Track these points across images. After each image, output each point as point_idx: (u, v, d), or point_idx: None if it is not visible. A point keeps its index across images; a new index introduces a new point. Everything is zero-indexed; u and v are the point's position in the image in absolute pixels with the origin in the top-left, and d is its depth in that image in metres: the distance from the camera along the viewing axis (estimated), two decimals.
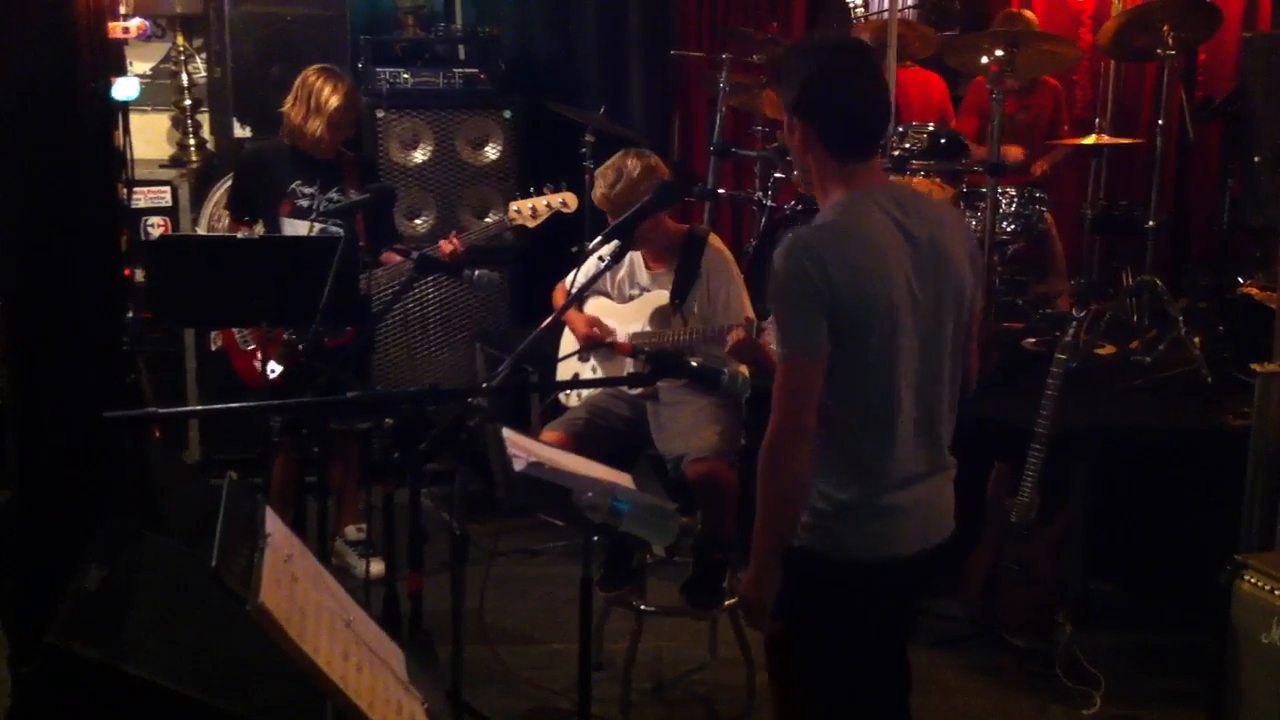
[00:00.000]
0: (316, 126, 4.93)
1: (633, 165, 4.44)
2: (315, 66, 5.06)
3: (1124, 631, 4.78)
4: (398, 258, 5.05)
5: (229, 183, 6.03)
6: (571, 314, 4.62)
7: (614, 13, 7.17)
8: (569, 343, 4.75)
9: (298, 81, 5.01)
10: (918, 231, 2.71)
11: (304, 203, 4.96)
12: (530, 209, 4.97)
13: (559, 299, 4.77)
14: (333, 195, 4.97)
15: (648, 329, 4.55)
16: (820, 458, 2.73)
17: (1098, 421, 5.09)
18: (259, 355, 4.84)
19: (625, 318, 4.61)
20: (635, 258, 4.58)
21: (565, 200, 5.02)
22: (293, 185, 4.97)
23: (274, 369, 4.58)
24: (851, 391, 2.68)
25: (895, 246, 2.66)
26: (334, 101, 4.92)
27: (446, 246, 4.90)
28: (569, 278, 4.76)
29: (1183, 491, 4.90)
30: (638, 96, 7.24)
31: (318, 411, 4.07)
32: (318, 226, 4.81)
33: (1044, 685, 4.38)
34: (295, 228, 4.86)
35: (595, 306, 4.69)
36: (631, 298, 4.63)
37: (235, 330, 5.01)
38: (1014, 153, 6.42)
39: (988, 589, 4.46)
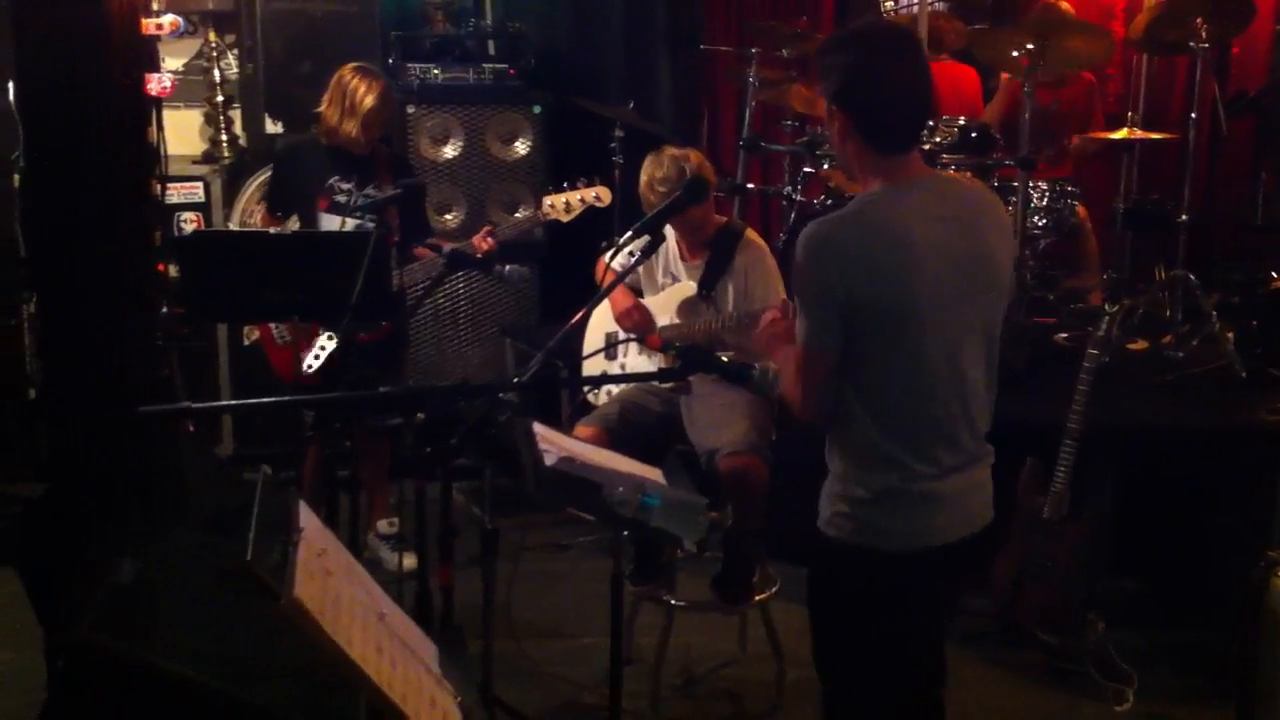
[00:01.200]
0: (352, 127, 4.95)
1: (671, 159, 4.45)
2: (351, 65, 5.06)
3: (1152, 629, 4.75)
4: (430, 253, 5.06)
5: (262, 178, 6.06)
6: (614, 295, 4.60)
7: (642, 8, 7.18)
8: (595, 338, 4.76)
9: (333, 80, 5.02)
10: (956, 224, 2.69)
11: (341, 198, 4.98)
12: (564, 203, 4.98)
13: (601, 272, 4.77)
14: (369, 191, 4.99)
15: (676, 321, 4.55)
16: (855, 450, 2.74)
17: (1130, 417, 5.06)
18: (295, 349, 4.86)
19: (654, 310, 4.62)
20: (671, 246, 4.57)
21: (599, 195, 5.02)
22: (330, 180, 4.99)
23: (310, 365, 4.59)
24: (882, 387, 2.68)
25: (925, 241, 2.63)
26: (369, 102, 4.94)
27: (481, 244, 4.90)
28: (609, 255, 4.76)
29: (1215, 488, 4.86)
30: (666, 92, 7.24)
31: (350, 406, 4.09)
32: (352, 222, 4.82)
33: (1073, 682, 4.36)
34: (332, 223, 4.88)
35: None
36: (663, 286, 4.64)
37: (272, 325, 5.04)
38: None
39: (1016, 585, 4.45)
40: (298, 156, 5.14)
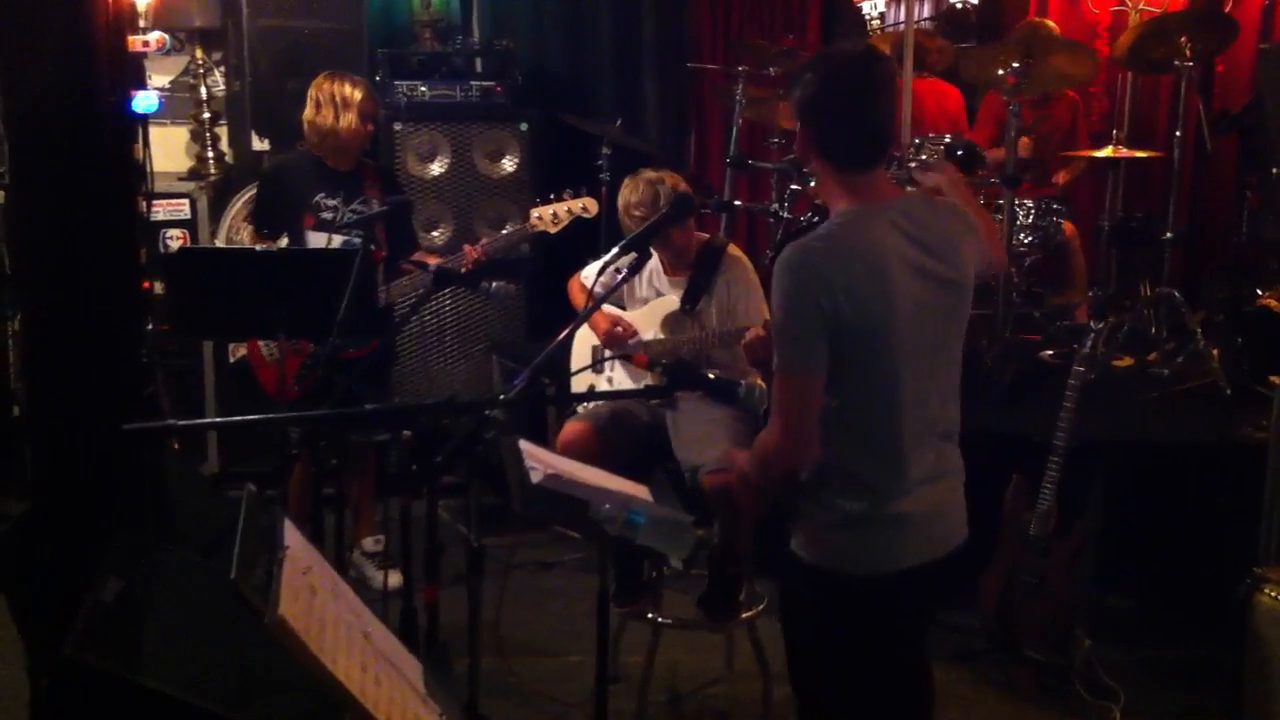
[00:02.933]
0: (351, 120, 4.97)
1: (651, 179, 4.48)
2: (324, 74, 5.09)
3: (1142, 645, 4.75)
4: (414, 268, 5.06)
5: (247, 195, 6.06)
6: (594, 317, 4.61)
7: (630, 25, 7.19)
8: (581, 352, 4.76)
9: (312, 91, 5.04)
10: (925, 243, 2.71)
11: (328, 215, 4.97)
12: (551, 215, 4.99)
13: (575, 292, 4.78)
14: (356, 206, 4.99)
15: (660, 336, 4.55)
16: (825, 471, 2.74)
17: (1116, 434, 5.07)
18: (282, 367, 4.85)
19: (638, 324, 4.62)
20: (655, 263, 4.58)
21: (585, 205, 5.03)
22: (316, 198, 4.98)
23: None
24: (854, 407, 2.68)
25: (899, 262, 2.66)
26: (358, 94, 4.99)
27: (471, 252, 4.92)
28: (585, 271, 4.77)
29: (1201, 504, 4.87)
30: (654, 109, 7.26)
31: (336, 423, 4.08)
32: (337, 239, 4.81)
33: (1061, 700, 4.36)
34: (319, 240, 4.87)
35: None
36: (645, 301, 4.64)
37: (261, 343, 5.02)
38: (1024, 144, 6.42)
39: (1004, 602, 4.45)
40: (284, 175, 5.13)
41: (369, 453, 5.24)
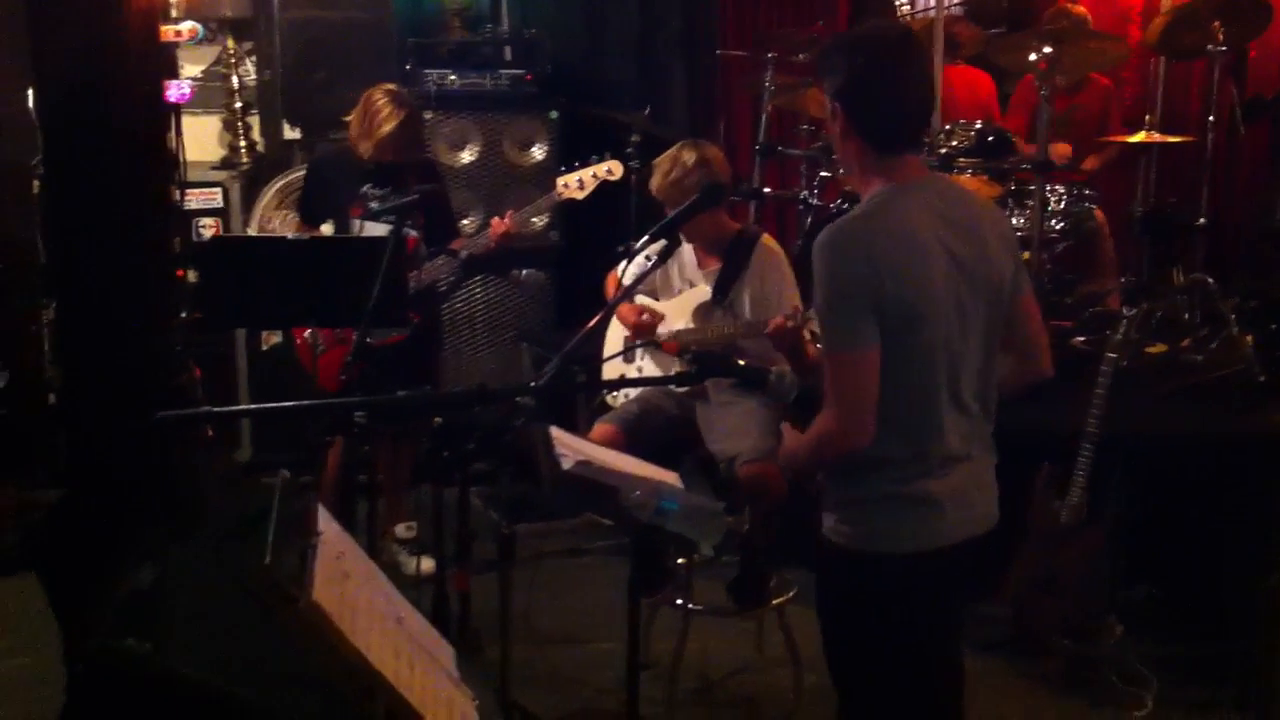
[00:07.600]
0: (367, 148, 4.92)
1: (687, 156, 4.46)
2: (383, 87, 5.01)
3: (1169, 636, 4.72)
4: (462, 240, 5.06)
5: (279, 184, 6.09)
6: (620, 308, 4.62)
7: (657, 14, 7.18)
8: (614, 340, 4.76)
9: (363, 97, 4.99)
10: (958, 223, 2.70)
11: (375, 205, 4.97)
12: (577, 181, 4.99)
13: (611, 287, 4.79)
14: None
15: (691, 325, 4.55)
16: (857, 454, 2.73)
17: (1147, 422, 5.04)
18: (316, 359, 4.86)
19: (669, 314, 4.62)
20: (687, 253, 4.58)
21: (610, 169, 5.01)
22: (364, 189, 4.98)
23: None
24: (890, 389, 2.66)
25: (934, 239, 2.65)
26: (386, 128, 4.87)
27: (498, 227, 4.92)
28: (620, 266, 4.78)
29: (1233, 492, 4.83)
30: (682, 97, 7.25)
31: (368, 410, 4.10)
32: (378, 228, 4.81)
33: (1090, 689, 4.34)
34: (363, 230, 4.89)
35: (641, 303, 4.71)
36: (679, 291, 4.64)
37: (306, 333, 5.04)
38: (1062, 150, 6.39)
39: (1032, 591, 4.43)
40: (331, 166, 5.13)
41: (401, 440, 5.26)
